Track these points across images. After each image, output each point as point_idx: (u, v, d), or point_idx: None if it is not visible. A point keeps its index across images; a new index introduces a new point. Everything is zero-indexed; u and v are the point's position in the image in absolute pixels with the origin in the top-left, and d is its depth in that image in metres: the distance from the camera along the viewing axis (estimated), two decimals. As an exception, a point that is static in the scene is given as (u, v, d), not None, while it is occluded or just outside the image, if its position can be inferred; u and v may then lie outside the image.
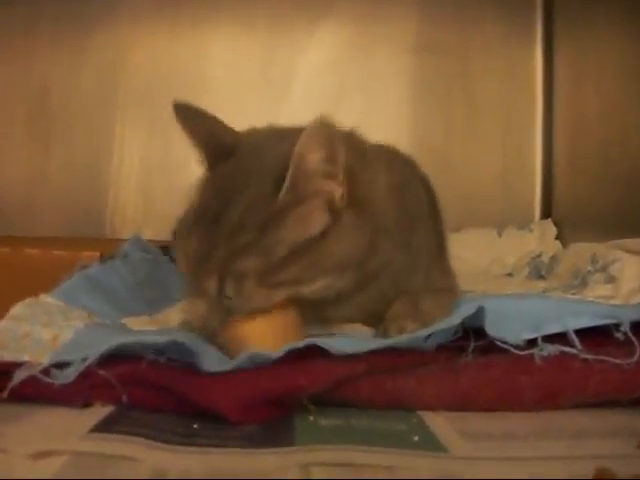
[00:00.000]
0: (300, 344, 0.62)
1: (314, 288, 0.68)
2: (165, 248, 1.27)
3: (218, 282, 0.67)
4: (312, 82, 1.57)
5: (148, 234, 1.32)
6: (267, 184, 0.67)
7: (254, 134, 0.77)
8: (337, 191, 0.68)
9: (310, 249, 0.67)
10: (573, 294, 1.00)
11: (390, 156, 0.86)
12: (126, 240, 1.21)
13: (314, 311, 0.72)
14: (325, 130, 0.65)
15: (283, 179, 0.65)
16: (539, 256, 1.33)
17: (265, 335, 0.67)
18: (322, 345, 0.61)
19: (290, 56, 1.57)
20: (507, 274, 1.34)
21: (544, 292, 1.08)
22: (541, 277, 1.27)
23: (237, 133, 0.76)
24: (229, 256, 0.66)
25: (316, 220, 0.68)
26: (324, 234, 0.68)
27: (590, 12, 1.38)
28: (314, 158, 0.66)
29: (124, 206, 1.57)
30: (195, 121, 0.73)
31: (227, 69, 1.59)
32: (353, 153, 0.70)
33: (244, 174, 0.70)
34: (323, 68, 1.57)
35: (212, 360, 0.63)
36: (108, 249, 1.10)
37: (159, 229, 1.40)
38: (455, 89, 1.59)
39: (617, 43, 1.27)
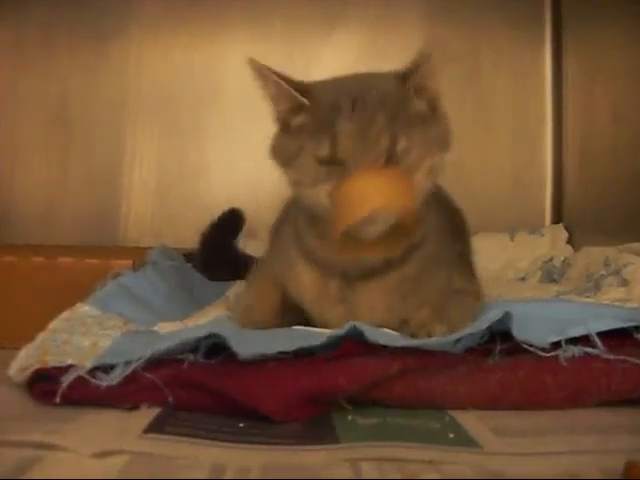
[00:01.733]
0: (342, 330, 0.66)
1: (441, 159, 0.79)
2: (187, 255, 1.30)
3: (390, 139, 0.74)
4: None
5: (167, 241, 1.35)
6: (389, 82, 0.78)
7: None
8: (436, 90, 0.80)
9: (427, 123, 0.78)
10: (587, 297, 1.02)
11: None
12: (149, 248, 1.24)
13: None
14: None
15: (404, 78, 0.77)
16: (551, 260, 1.36)
17: (382, 189, 0.72)
18: (361, 329, 0.65)
19: (304, 64, 1.60)
20: (520, 278, 1.36)
21: (558, 295, 1.11)
22: (553, 281, 1.30)
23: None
24: (390, 119, 0.74)
25: (424, 104, 0.79)
26: (431, 113, 0.79)
27: (599, 15, 1.41)
28: (430, 65, 0.78)
29: (143, 214, 1.60)
30: (272, 70, 0.79)
31: (242, 78, 1.61)
32: None
33: (357, 85, 0.79)
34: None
35: (246, 345, 0.66)
36: (139, 257, 1.12)
37: (178, 236, 1.43)
38: (466, 95, 1.62)
39: (627, 45, 1.30)
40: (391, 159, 0.73)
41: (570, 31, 1.56)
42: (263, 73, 0.78)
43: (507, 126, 1.62)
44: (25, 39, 1.60)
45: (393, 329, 0.78)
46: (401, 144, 0.74)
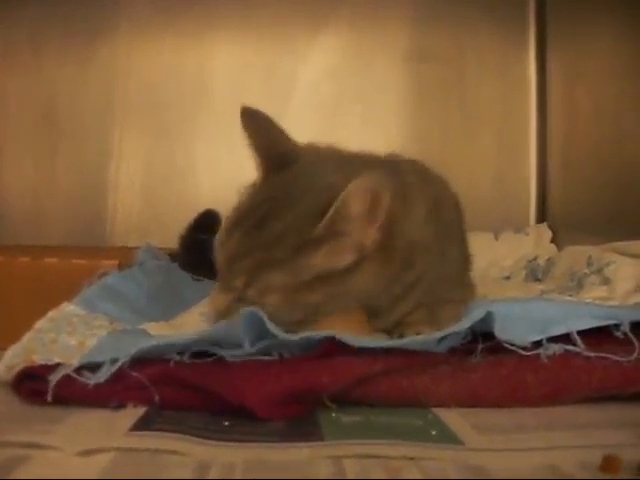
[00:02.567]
0: (318, 335, 0.66)
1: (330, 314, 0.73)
2: (172, 255, 1.30)
3: (244, 285, 0.71)
4: (312, 91, 1.62)
5: (153, 241, 1.35)
6: (313, 209, 0.71)
7: (314, 152, 0.79)
8: (369, 237, 0.72)
9: (332, 281, 0.71)
10: (570, 295, 1.03)
11: (423, 176, 0.88)
12: (136, 248, 1.24)
13: None
14: (374, 185, 0.68)
15: (328, 211, 0.69)
16: (535, 259, 1.37)
17: None
18: (341, 339, 0.65)
19: (291, 66, 1.61)
20: (505, 277, 1.37)
21: (542, 294, 1.12)
22: (537, 279, 1.31)
23: (298, 147, 0.79)
24: (260, 264, 0.70)
25: (344, 257, 0.72)
26: (347, 270, 0.72)
27: (582, 18, 1.43)
28: (357, 207, 0.69)
29: (129, 213, 1.61)
30: (259, 128, 0.75)
31: (230, 78, 1.62)
32: (396, 201, 0.72)
33: (294, 192, 0.73)
34: (323, 77, 1.62)
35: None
36: (125, 257, 1.13)
37: (164, 236, 1.43)
38: (451, 96, 1.63)
39: (610, 48, 1.31)
40: (243, 300, 0.72)
41: (554, 33, 1.58)
42: (246, 131, 0.76)
43: (491, 127, 1.64)
44: (13, 39, 1.60)
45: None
46: (252, 290, 0.71)
